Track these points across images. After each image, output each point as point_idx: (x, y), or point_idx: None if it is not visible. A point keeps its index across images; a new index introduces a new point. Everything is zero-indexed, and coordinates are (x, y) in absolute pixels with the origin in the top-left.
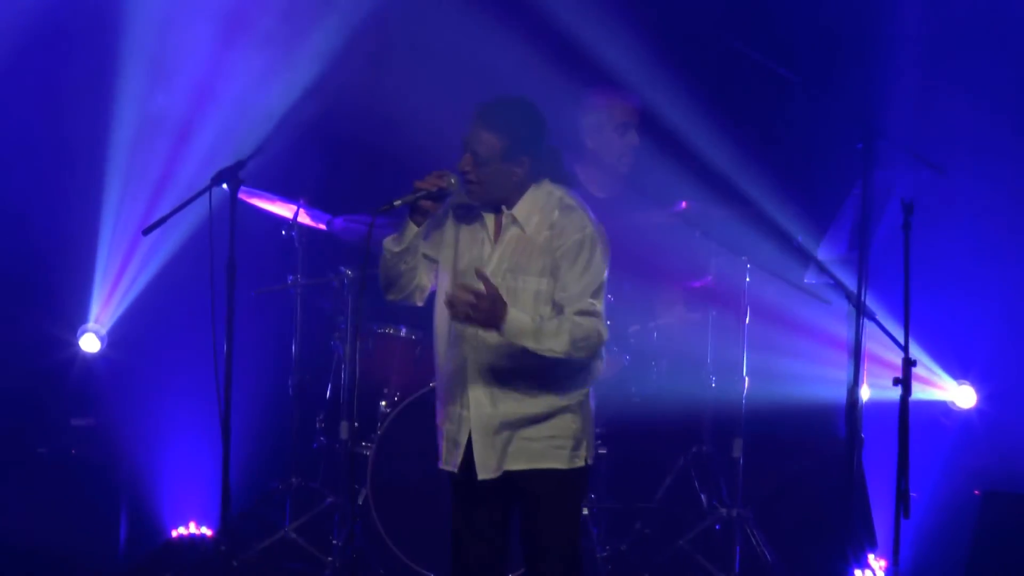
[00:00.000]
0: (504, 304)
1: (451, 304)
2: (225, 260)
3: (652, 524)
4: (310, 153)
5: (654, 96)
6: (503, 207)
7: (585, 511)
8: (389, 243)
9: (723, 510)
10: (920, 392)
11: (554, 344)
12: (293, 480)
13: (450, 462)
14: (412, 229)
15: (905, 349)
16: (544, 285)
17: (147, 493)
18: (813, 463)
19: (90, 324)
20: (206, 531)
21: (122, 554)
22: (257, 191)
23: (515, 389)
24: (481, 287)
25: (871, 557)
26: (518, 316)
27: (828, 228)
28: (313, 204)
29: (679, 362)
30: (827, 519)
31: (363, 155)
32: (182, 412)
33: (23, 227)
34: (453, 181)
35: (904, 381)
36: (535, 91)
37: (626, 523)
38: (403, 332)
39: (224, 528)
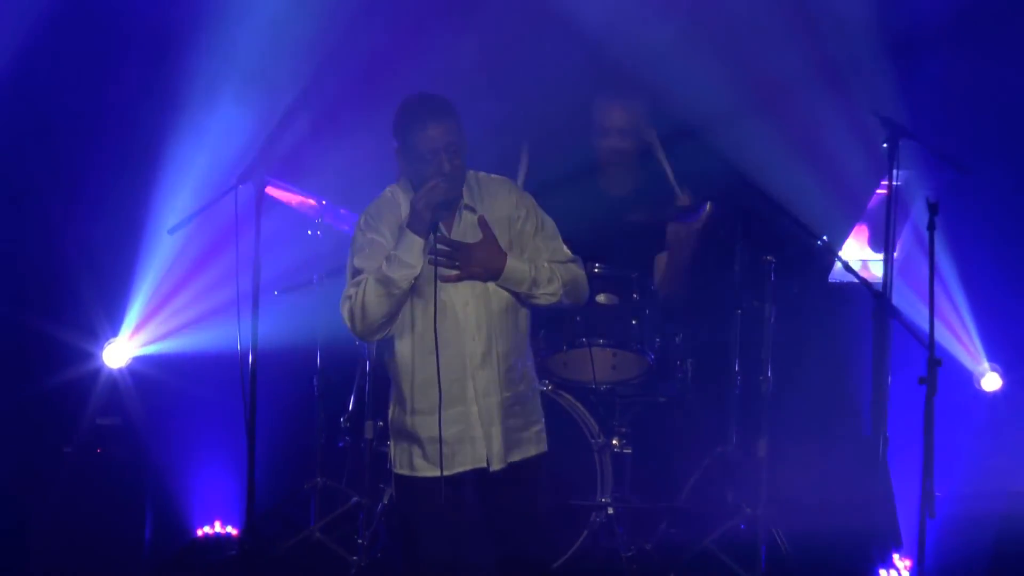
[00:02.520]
0: (502, 250)
1: (454, 255)
2: (250, 259)
3: (677, 524)
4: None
5: (676, 92)
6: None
7: (610, 510)
8: (407, 270)
9: (748, 509)
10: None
11: (548, 288)
12: (318, 480)
13: (460, 462)
14: (422, 243)
15: (931, 348)
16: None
17: (172, 492)
18: (838, 462)
19: (118, 338)
20: (231, 530)
21: (147, 553)
22: (283, 185)
23: (512, 375)
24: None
25: (896, 557)
26: (516, 263)
27: (853, 227)
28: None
29: (704, 361)
30: (852, 518)
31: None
32: (207, 411)
33: (50, 233)
34: (443, 186)
35: (929, 381)
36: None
37: (651, 523)
38: None
39: (249, 527)
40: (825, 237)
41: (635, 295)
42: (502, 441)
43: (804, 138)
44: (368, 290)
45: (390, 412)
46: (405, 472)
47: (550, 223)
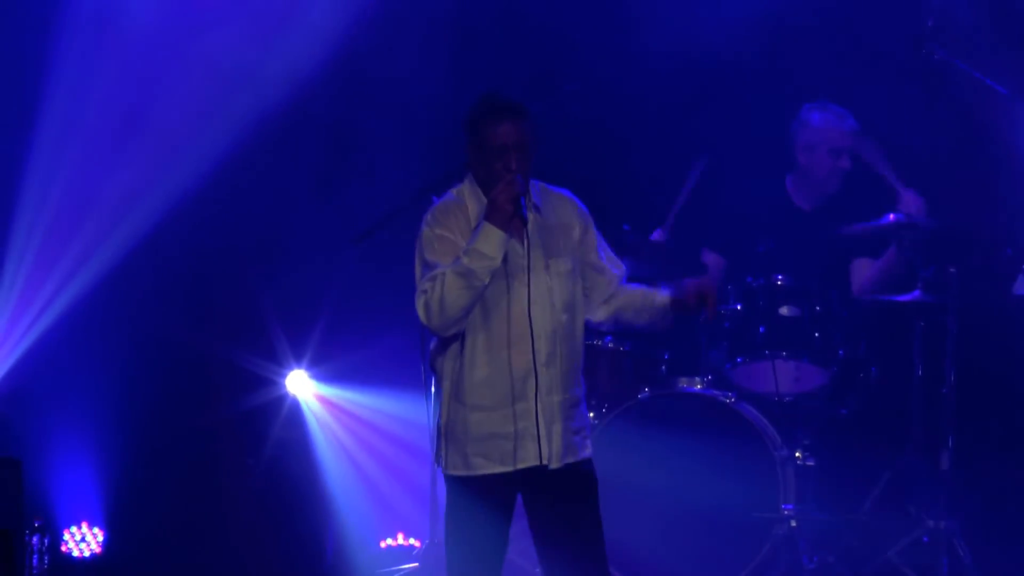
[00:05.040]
0: None
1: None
2: None
3: (859, 536)
4: None
5: (855, 102)
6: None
7: (793, 523)
8: (487, 262)
9: (930, 522)
10: None
11: None
12: None
13: (521, 458)
14: (502, 235)
15: None
16: (572, 263)
17: (355, 503)
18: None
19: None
20: (414, 542)
21: (329, 563)
22: None
23: (572, 377)
24: None
25: None
26: None
27: None
28: None
29: (887, 373)
30: None
31: None
32: (389, 424)
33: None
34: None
35: None
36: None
37: (833, 535)
38: (609, 343)
39: (433, 538)
40: (1010, 249)
41: (817, 307)
42: (561, 440)
43: (983, 148)
44: (448, 283)
45: (444, 411)
46: (460, 473)
47: (602, 239)
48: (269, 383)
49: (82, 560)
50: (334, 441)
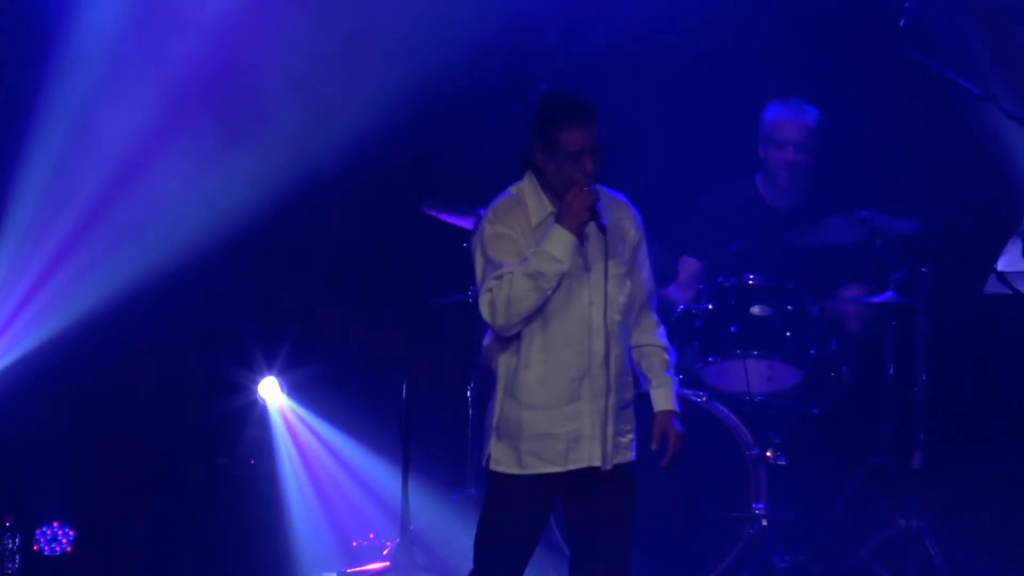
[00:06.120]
0: None
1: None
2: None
3: (832, 535)
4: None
5: (836, 106)
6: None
7: (764, 522)
8: (557, 265)
9: (902, 521)
10: None
11: None
12: (473, 491)
13: (573, 459)
14: (573, 239)
15: None
16: (627, 267)
17: (326, 504)
18: (995, 474)
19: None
20: (386, 542)
21: (298, 563)
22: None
23: (623, 380)
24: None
25: None
26: None
27: (1008, 238)
28: None
29: (859, 373)
30: (1017, 533)
31: None
32: (360, 421)
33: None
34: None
35: None
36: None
37: (805, 534)
38: None
39: (405, 539)
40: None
41: (789, 306)
42: (613, 442)
43: (959, 148)
44: (516, 284)
45: (498, 408)
46: (510, 470)
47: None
48: (242, 388)
49: (53, 558)
50: (305, 445)
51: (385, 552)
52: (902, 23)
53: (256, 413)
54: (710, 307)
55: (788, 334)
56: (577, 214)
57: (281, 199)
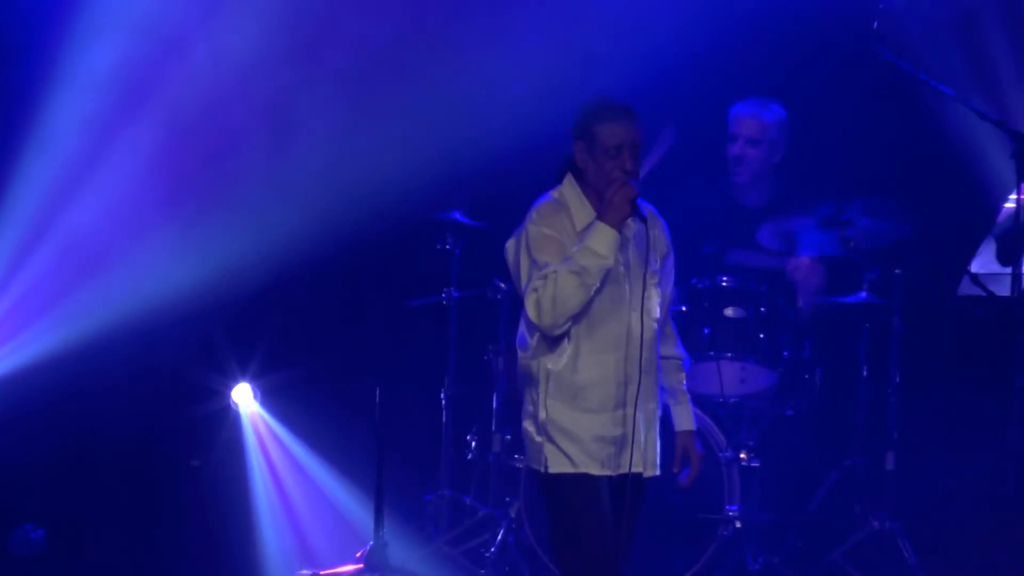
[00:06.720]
0: None
1: None
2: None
3: (805, 536)
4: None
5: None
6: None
7: (738, 524)
8: (601, 261)
9: (876, 522)
10: None
11: None
12: (446, 492)
13: (622, 464)
14: (615, 235)
15: None
16: (658, 279)
17: (300, 506)
18: (968, 474)
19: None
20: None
21: (272, 562)
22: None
23: (657, 385)
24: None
25: None
26: None
27: (982, 240)
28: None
29: (833, 374)
30: (990, 533)
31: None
32: (334, 423)
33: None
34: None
35: None
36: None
37: (779, 536)
38: None
39: (378, 540)
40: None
41: (762, 308)
42: (654, 448)
43: (932, 148)
44: (561, 282)
45: (545, 410)
46: (567, 470)
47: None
48: (215, 393)
49: (26, 559)
50: (277, 449)
51: (359, 554)
52: (876, 24)
53: (229, 418)
54: (683, 309)
55: (762, 336)
56: (618, 209)
57: (254, 205)
